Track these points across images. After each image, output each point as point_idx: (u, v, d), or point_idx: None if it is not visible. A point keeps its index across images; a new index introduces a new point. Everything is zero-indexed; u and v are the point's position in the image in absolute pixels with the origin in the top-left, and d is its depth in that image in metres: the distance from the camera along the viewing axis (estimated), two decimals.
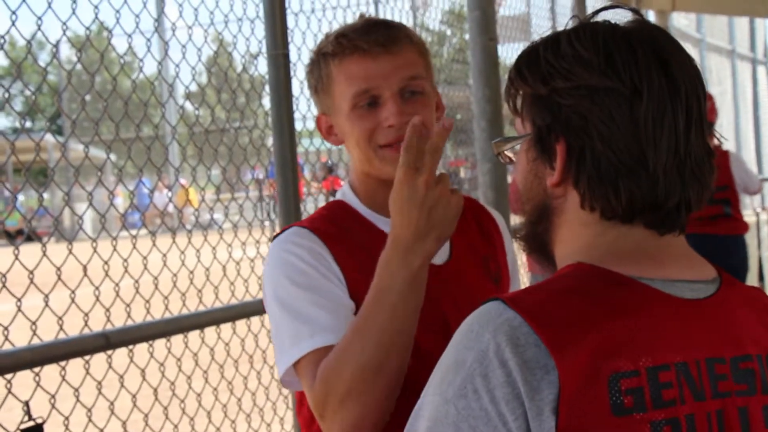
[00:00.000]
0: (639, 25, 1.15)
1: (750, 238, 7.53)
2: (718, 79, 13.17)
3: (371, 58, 1.60)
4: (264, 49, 2.68)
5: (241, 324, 2.76)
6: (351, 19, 3.40)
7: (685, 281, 1.13)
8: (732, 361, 1.11)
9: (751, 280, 6.25)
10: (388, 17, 3.96)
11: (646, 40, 1.12)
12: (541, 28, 6.13)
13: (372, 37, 1.60)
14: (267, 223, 3.20)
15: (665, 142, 1.09)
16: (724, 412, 1.08)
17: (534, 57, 1.13)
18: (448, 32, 6.20)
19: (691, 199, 1.12)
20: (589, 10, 6.18)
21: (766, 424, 1.11)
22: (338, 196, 1.72)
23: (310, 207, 3.30)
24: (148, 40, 2.61)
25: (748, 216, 7.90)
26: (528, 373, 1.03)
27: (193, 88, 2.73)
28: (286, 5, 2.70)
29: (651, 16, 8.25)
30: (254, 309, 2.68)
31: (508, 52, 5.30)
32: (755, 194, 6.44)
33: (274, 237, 1.66)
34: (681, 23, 10.35)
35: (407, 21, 4.46)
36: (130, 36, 2.57)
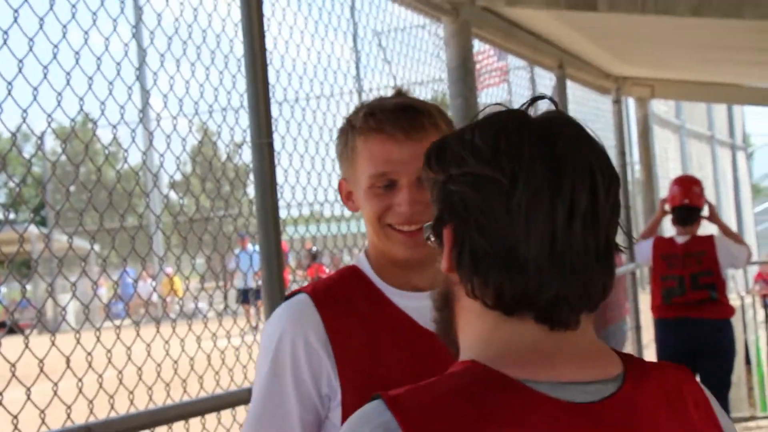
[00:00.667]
0: (545, 116, 1.12)
1: (736, 322, 7.58)
2: (699, 165, 13.37)
3: (394, 142, 1.65)
4: (248, 138, 2.72)
5: (226, 414, 2.74)
6: (334, 107, 3.48)
7: (577, 383, 1.06)
8: None
9: (738, 363, 6.33)
10: None
11: (542, 130, 1.09)
12: None
13: (398, 121, 1.65)
14: (252, 310, 3.19)
15: (538, 235, 1.04)
16: None
17: (442, 145, 1.13)
18: None
19: (570, 295, 1.05)
20: (570, 98, 6.31)
21: None
22: (354, 261, 1.80)
23: None
24: (133, 130, 2.65)
25: (733, 300, 7.96)
26: None
27: (178, 177, 2.76)
28: (270, 95, 2.75)
29: (631, 104, 8.40)
30: (239, 398, 2.67)
31: None
32: (747, 264, 6.56)
33: (286, 297, 1.74)
34: (660, 110, 10.52)
35: None
36: (114, 126, 2.60)
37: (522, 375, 1.05)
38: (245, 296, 15.29)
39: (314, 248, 6.34)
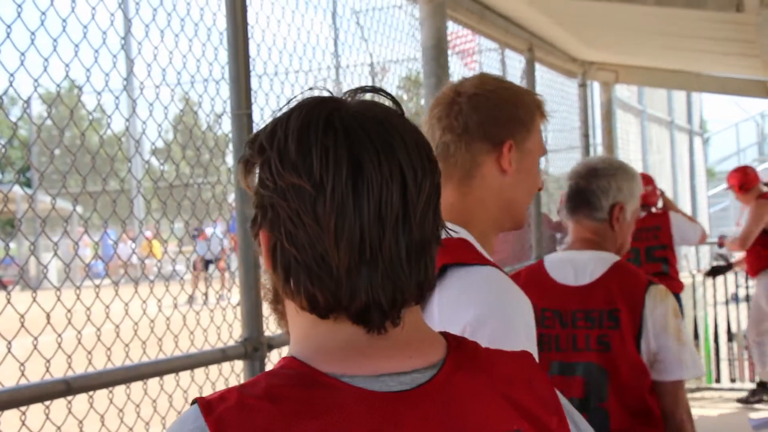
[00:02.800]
0: (357, 108, 1.10)
1: (687, 299, 7.87)
2: (658, 148, 13.60)
3: None
4: (228, 109, 2.81)
5: (199, 372, 2.83)
6: (312, 82, 3.56)
7: (394, 374, 1.07)
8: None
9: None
10: (348, 82, 4.12)
11: (349, 128, 1.06)
12: None
13: None
14: (227, 274, 3.27)
15: (347, 243, 1.03)
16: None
17: (257, 141, 1.10)
18: (405, 97, 6.38)
19: (382, 300, 1.04)
20: (538, 80, 6.43)
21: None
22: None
23: None
24: (117, 97, 2.71)
25: (685, 277, 8.26)
26: None
27: (159, 144, 2.84)
28: (251, 68, 2.83)
29: (596, 88, 8.55)
30: (213, 358, 2.76)
31: None
32: (700, 243, 6.84)
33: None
34: (624, 95, 10.70)
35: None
36: (99, 93, 2.66)
37: (338, 370, 1.06)
38: (206, 264, 15.39)
39: None
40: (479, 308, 1.67)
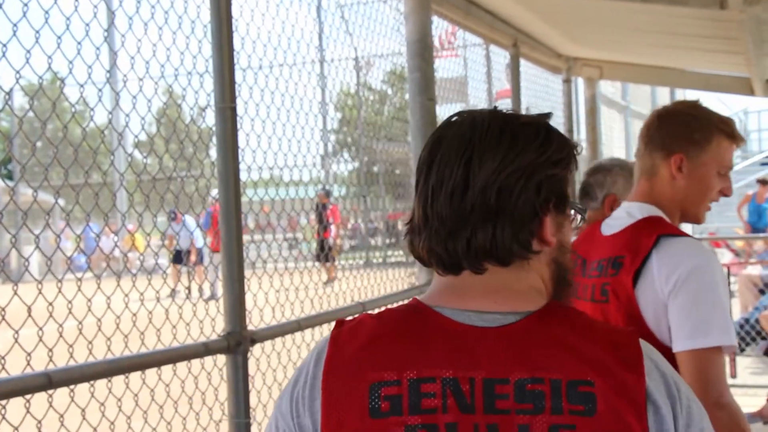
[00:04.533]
0: (475, 114, 1.42)
1: None
2: None
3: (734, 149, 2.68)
4: (212, 102, 2.80)
5: (181, 366, 2.83)
6: (296, 76, 3.56)
7: (478, 312, 1.32)
8: (517, 383, 1.24)
9: None
10: (333, 76, 4.11)
11: (446, 123, 1.41)
12: (477, 90, 6.34)
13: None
14: (210, 268, 3.27)
15: (419, 208, 1.37)
16: (499, 426, 1.22)
17: None
18: (390, 92, 6.38)
19: (440, 251, 1.35)
20: (523, 75, 6.44)
21: None
22: (645, 212, 2.60)
23: (252, 254, 3.40)
24: (100, 90, 2.69)
25: None
26: (314, 381, 1.32)
27: (143, 137, 2.83)
28: (235, 61, 2.83)
29: (580, 83, 8.56)
30: (194, 351, 2.75)
31: (446, 112, 5.49)
32: None
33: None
34: (608, 90, 10.73)
35: (351, 80, 4.62)
36: (82, 86, 2.64)
37: (436, 303, 1.35)
38: (177, 256, 15.43)
39: (326, 187, 6.42)
40: (687, 267, 2.31)
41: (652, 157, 2.56)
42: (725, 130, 2.52)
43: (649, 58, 8.08)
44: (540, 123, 1.41)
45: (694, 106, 2.59)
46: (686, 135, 2.52)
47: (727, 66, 7.66)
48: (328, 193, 7.35)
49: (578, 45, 7.42)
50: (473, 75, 6.17)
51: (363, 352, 1.30)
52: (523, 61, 6.45)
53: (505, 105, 6.19)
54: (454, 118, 1.41)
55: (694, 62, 8.13)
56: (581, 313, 1.36)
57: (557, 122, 7.89)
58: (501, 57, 6.45)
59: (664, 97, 16.14)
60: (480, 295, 1.34)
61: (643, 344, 1.32)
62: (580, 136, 9.08)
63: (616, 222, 2.70)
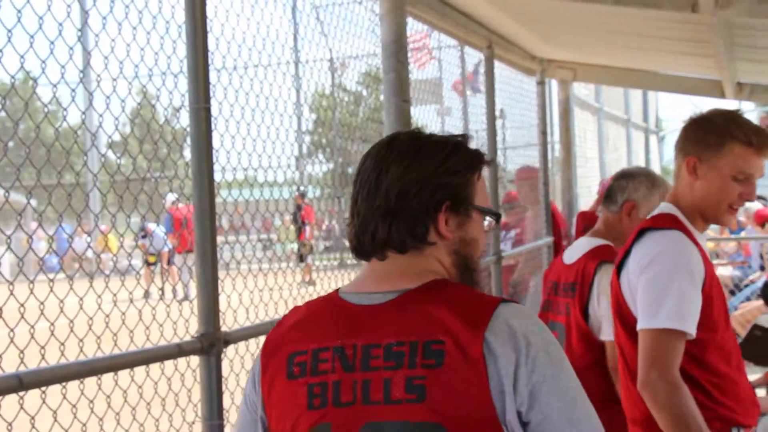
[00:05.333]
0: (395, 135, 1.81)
1: None
2: (614, 146, 13.74)
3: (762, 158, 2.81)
4: (186, 103, 2.79)
5: (155, 367, 2.82)
6: (271, 77, 3.56)
7: (367, 293, 1.70)
8: (386, 346, 1.59)
9: None
10: (307, 77, 4.11)
11: (379, 141, 1.80)
12: (452, 92, 6.36)
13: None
14: (184, 269, 3.26)
15: (350, 208, 1.75)
16: (371, 381, 1.58)
17: None
18: (365, 93, 6.38)
19: (355, 244, 1.74)
20: (497, 77, 6.46)
21: (405, 389, 1.55)
22: (664, 210, 2.94)
23: (226, 255, 3.40)
24: (73, 90, 2.68)
25: None
26: (258, 359, 1.77)
27: (116, 137, 2.81)
28: (209, 62, 2.82)
29: (554, 85, 8.61)
30: (168, 353, 2.74)
31: (421, 113, 5.50)
32: None
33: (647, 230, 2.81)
34: (581, 93, 10.79)
35: (326, 81, 4.61)
36: (55, 86, 2.63)
37: (344, 291, 1.74)
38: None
39: (301, 188, 6.41)
40: (648, 256, 2.62)
41: (677, 160, 2.82)
42: (740, 137, 2.67)
43: (622, 60, 8.14)
44: (449, 140, 1.74)
45: (717, 113, 2.77)
46: (701, 139, 2.73)
47: (699, 69, 7.74)
48: (303, 195, 7.35)
49: (552, 47, 7.46)
50: (447, 77, 6.19)
51: (288, 331, 1.72)
52: (497, 63, 6.47)
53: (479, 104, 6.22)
54: (386, 138, 1.77)
55: (667, 65, 8.20)
56: (453, 287, 1.68)
57: (531, 124, 7.92)
58: (475, 59, 6.46)
59: (637, 100, 16.27)
60: (374, 279, 1.71)
61: (506, 309, 1.60)
62: (554, 138, 9.13)
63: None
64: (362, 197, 1.71)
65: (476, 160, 1.74)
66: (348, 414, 1.59)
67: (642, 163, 16.04)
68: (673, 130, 27.61)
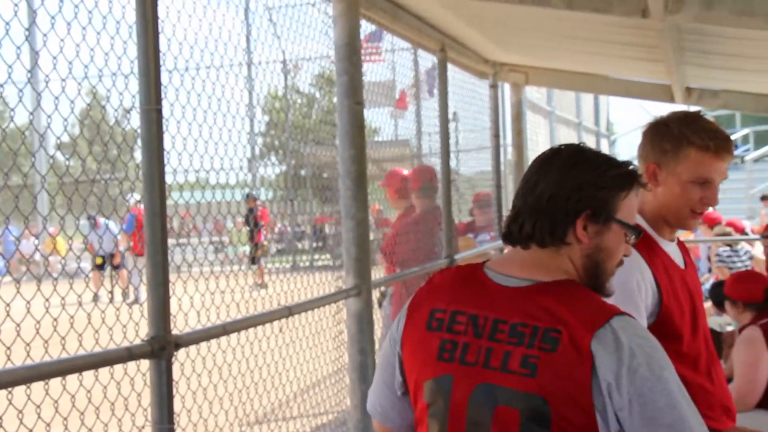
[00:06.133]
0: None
1: None
2: None
3: (721, 160, 2.78)
4: (137, 104, 2.76)
5: (104, 371, 2.78)
6: (223, 78, 3.54)
7: (508, 276, 1.97)
8: (512, 324, 1.87)
9: None
10: (260, 79, 4.09)
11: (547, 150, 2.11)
12: (396, 101, 6.38)
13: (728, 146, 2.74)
14: (134, 272, 3.22)
15: (513, 200, 2.05)
16: (493, 350, 1.87)
17: None
18: (318, 95, 6.38)
19: (506, 232, 2.04)
20: (450, 80, 6.50)
21: (520, 364, 1.83)
22: None
23: (177, 258, 3.37)
24: (21, 90, 2.64)
25: None
26: (404, 311, 2.09)
27: (65, 139, 2.77)
28: (161, 63, 2.79)
29: (507, 89, 8.68)
30: (117, 356, 2.71)
31: (374, 116, 5.51)
32: None
33: None
34: (534, 96, 10.89)
35: (279, 83, 4.60)
36: (2, 86, 2.59)
37: (489, 266, 2.03)
38: (102, 262, 15.21)
39: (252, 192, 6.37)
40: None
41: (639, 167, 2.78)
42: (696, 143, 2.65)
43: (574, 64, 8.22)
44: (602, 157, 2.00)
45: (675, 117, 2.76)
46: (658, 145, 2.72)
47: (649, 73, 7.85)
48: (254, 198, 7.32)
49: (505, 51, 7.51)
50: (400, 79, 6.21)
51: (435, 289, 2.03)
52: (450, 66, 6.50)
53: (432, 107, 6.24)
54: (556, 146, 2.04)
55: (617, 69, 8.30)
56: (578, 289, 1.93)
57: (484, 127, 7.98)
58: (428, 62, 6.49)
59: (588, 103, 16.46)
60: (516, 265, 1.98)
61: (618, 321, 1.84)
62: (506, 141, 9.20)
63: None
64: (521, 193, 1.99)
65: (628, 179, 1.98)
66: (469, 372, 1.89)
67: None
68: (623, 134, 27.96)
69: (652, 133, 2.77)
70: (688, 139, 2.66)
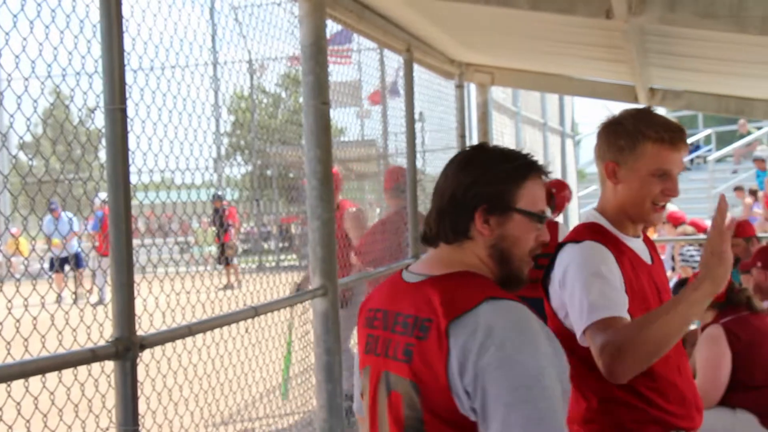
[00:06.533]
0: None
1: None
2: (532, 150, 13.92)
3: (678, 152, 2.81)
4: (102, 104, 2.74)
5: (67, 373, 2.76)
6: (189, 78, 3.53)
7: (414, 273, 2.10)
8: (404, 316, 2.01)
9: None
10: (226, 79, 4.08)
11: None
12: (370, 94, 6.39)
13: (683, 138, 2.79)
14: (98, 272, 3.19)
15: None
16: (391, 341, 2.02)
17: None
18: (284, 95, 6.36)
19: (422, 234, 2.16)
20: (416, 80, 6.52)
21: (403, 352, 1.97)
22: (589, 219, 2.87)
23: (142, 258, 3.35)
24: None
25: None
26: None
27: (28, 138, 2.74)
28: (125, 62, 2.77)
29: (473, 89, 8.71)
30: (81, 358, 2.68)
31: (340, 116, 5.51)
32: None
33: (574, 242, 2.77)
34: (499, 96, 10.94)
35: (244, 83, 4.59)
36: None
37: (409, 268, 2.16)
38: (61, 263, 14.93)
39: (218, 192, 6.32)
40: (562, 271, 2.69)
41: (597, 167, 2.85)
42: (651, 136, 2.69)
43: (539, 65, 8.27)
44: (498, 152, 2.10)
45: (627, 114, 2.80)
46: (614, 143, 2.76)
47: (613, 74, 7.91)
48: (220, 198, 7.30)
49: (470, 51, 7.54)
50: (366, 79, 6.21)
51: (374, 293, 2.22)
52: (416, 66, 6.51)
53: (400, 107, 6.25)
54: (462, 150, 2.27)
55: (582, 70, 8.36)
56: (461, 280, 2.00)
57: (450, 127, 8.00)
58: (394, 62, 6.50)
59: (553, 104, 16.56)
60: (424, 263, 2.11)
61: (488, 304, 1.91)
62: (472, 141, 9.24)
63: None
64: (432, 197, 2.13)
65: (522, 170, 2.06)
66: (377, 362, 2.07)
67: (558, 167, 16.32)
68: (588, 134, 28.20)
69: (607, 132, 2.80)
70: (643, 133, 2.70)
